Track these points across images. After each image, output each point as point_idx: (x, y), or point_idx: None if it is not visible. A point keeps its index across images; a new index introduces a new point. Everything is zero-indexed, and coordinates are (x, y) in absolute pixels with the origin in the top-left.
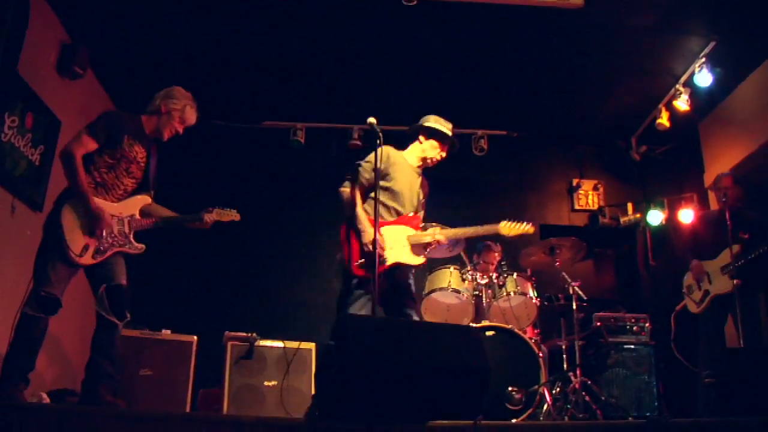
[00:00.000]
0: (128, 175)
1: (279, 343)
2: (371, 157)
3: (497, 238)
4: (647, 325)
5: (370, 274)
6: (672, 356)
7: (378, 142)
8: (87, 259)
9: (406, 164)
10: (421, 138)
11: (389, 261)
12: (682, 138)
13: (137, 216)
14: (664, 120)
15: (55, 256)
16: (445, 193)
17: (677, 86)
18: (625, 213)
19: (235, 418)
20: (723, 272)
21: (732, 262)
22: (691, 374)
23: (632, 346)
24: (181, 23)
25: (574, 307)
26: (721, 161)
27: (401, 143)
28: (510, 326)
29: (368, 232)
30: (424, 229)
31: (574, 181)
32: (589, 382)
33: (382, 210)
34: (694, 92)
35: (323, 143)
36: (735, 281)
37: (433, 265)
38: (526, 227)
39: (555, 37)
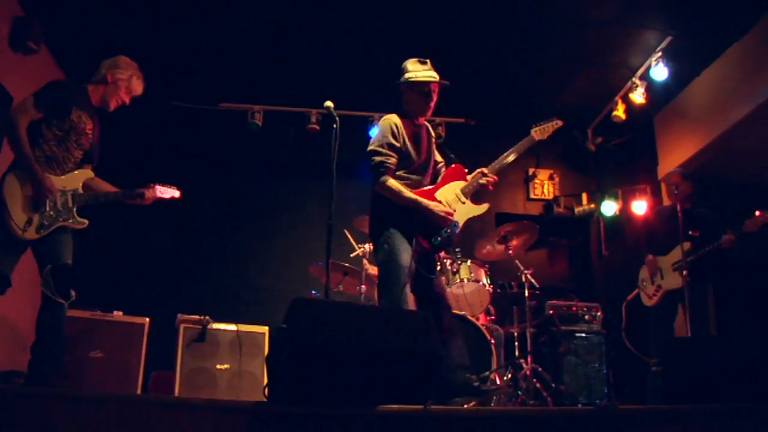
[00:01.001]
0: (78, 147)
1: (232, 327)
2: (383, 140)
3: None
4: (599, 314)
5: (447, 246)
6: (622, 345)
7: (334, 126)
8: (31, 234)
9: (409, 126)
10: (405, 94)
11: (461, 221)
12: (637, 130)
13: (80, 190)
14: (620, 112)
15: None
16: None
17: (634, 79)
18: (580, 203)
19: (186, 400)
20: (674, 269)
21: (682, 259)
22: (641, 363)
23: (584, 335)
24: (140, 1)
25: (527, 294)
26: (675, 154)
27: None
28: (463, 312)
29: (427, 203)
30: (470, 174)
31: (530, 171)
32: (540, 369)
33: (405, 184)
34: (650, 86)
35: (281, 126)
36: (684, 272)
37: None
38: (555, 123)
39: (514, 26)
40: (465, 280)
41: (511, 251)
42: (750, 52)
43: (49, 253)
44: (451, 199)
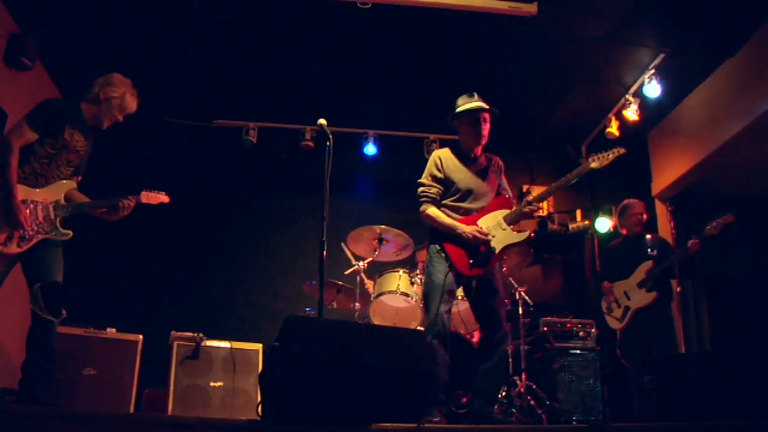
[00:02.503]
0: (68, 164)
1: (226, 344)
2: (427, 173)
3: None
4: (593, 330)
5: (483, 269)
6: (617, 362)
7: (328, 143)
8: (12, 248)
9: (460, 158)
10: (458, 127)
11: (498, 248)
12: (631, 147)
13: (62, 201)
14: (613, 129)
15: None
16: (396, 197)
17: (627, 96)
18: (574, 220)
19: (180, 418)
20: (640, 287)
21: (647, 277)
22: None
23: (578, 351)
24: (134, 17)
25: (521, 311)
26: (669, 171)
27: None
28: (458, 331)
29: (466, 228)
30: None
31: (524, 187)
32: (534, 386)
33: (456, 213)
34: (644, 102)
35: (275, 143)
36: (677, 282)
37: (382, 269)
38: (617, 152)
39: (508, 43)
40: (459, 298)
41: (505, 269)
42: (742, 69)
43: (38, 271)
44: (492, 226)
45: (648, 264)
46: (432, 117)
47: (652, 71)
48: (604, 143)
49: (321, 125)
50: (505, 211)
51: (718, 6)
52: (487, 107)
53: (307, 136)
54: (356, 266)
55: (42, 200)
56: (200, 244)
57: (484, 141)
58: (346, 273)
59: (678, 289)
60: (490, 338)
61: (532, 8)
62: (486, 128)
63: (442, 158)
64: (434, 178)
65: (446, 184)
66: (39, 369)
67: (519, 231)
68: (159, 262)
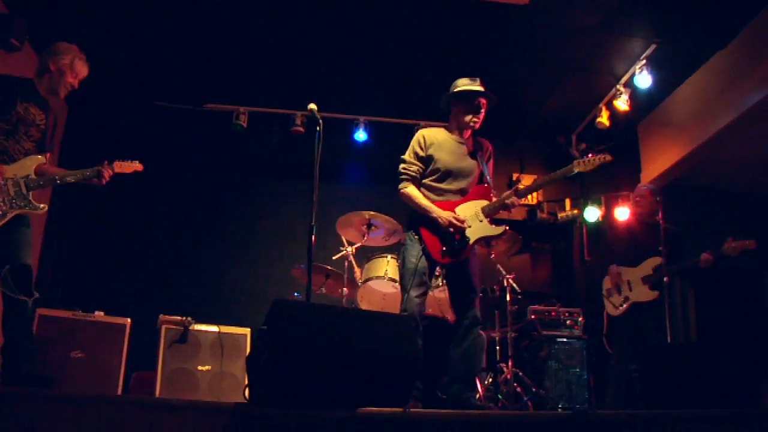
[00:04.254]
0: (28, 138)
1: (214, 328)
2: (409, 150)
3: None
4: (580, 319)
5: (455, 259)
6: (603, 350)
7: (318, 128)
8: None
9: (448, 139)
10: (453, 108)
11: (472, 239)
12: (621, 137)
13: (32, 176)
14: (604, 119)
15: None
16: (385, 183)
17: (618, 86)
18: (563, 209)
19: (167, 401)
20: (644, 282)
21: (654, 273)
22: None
23: (565, 340)
24: (125, 0)
25: (508, 299)
26: (658, 162)
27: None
28: (444, 316)
29: (443, 215)
30: (499, 195)
31: (514, 176)
32: (521, 373)
33: (433, 193)
34: (634, 93)
35: (265, 128)
36: (666, 279)
37: (370, 254)
38: (602, 157)
39: (500, 32)
40: (441, 285)
41: (493, 255)
42: (733, 61)
43: (6, 253)
44: (470, 215)
45: (657, 260)
46: (422, 104)
47: (644, 62)
48: (595, 133)
49: (311, 110)
50: (484, 202)
51: None
52: (490, 95)
53: (298, 121)
54: (345, 251)
55: (12, 176)
56: (189, 228)
57: (477, 126)
58: (334, 258)
59: (665, 279)
60: (461, 322)
61: None
62: (482, 114)
63: (426, 137)
64: (416, 155)
65: (427, 162)
66: (19, 349)
67: (495, 224)
68: (148, 245)
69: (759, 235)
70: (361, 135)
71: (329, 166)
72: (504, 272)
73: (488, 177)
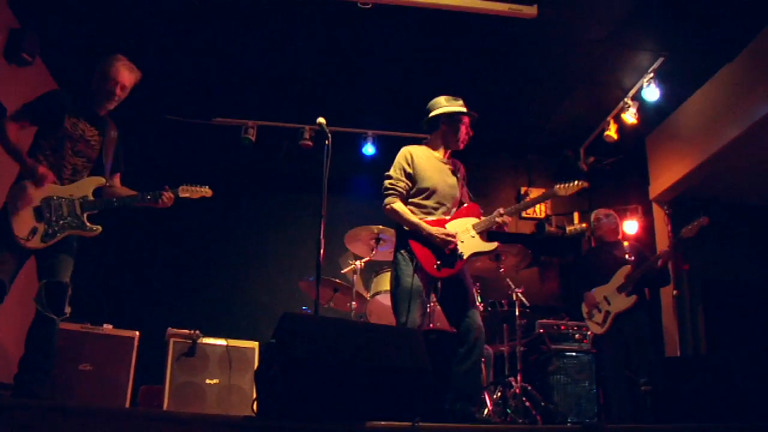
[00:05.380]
0: (75, 154)
1: (222, 341)
2: (396, 166)
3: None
4: (589, 333)
5: (452, 270)
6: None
7: (327, 142)
8: (35, 243)
9: (432, 158)
10: (441, 126)
11: (466, 254)
12: (629, 150)
13: (90, 197)
14: (612, 132)
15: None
16: None
17: (626, 99)
18: (572, 222)
19: (175, 414)
20: (619, 292)
21: (625, 282)
22: (631, 382)
23: (574, 354)
24: (135, 14)
25: (517, 313)
26: (666, 175)
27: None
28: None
29: (429, 228)
30: (487, 214)
31: (522, 189)
32: (530, 387)
33: (421, 212)
34: (642, 106)
35: (274, 142)
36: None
37: (378, 268)
38: (580, 184)
39: (508, 45)
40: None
41: (502, 269)
42: (741, 73)
43: (47, 269)
44: (461, 231)
45: (626, 269)
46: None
47: (651, 75)
48: (603, 146)
49: (320, 124)
50: (475, 220)
51: (717, 11)
52: (473, 114)
53: (306, 135)
54: (353, 265)
55: (68, 195)
56: (198, 241)
57: (461, 146)
58: (342, 272)
59: (674, 292)
60: (466, 339)
61: (532, 10)
62: (466, 134)
63: (413, 154)
64: (404, 172)
65: (413, 180)
66: (36, 365)
67: (487, 241)
68: (156, 258)
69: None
70: (369, 149)
71: (337, 179)
72: (513, 286)
73: (463, 195)
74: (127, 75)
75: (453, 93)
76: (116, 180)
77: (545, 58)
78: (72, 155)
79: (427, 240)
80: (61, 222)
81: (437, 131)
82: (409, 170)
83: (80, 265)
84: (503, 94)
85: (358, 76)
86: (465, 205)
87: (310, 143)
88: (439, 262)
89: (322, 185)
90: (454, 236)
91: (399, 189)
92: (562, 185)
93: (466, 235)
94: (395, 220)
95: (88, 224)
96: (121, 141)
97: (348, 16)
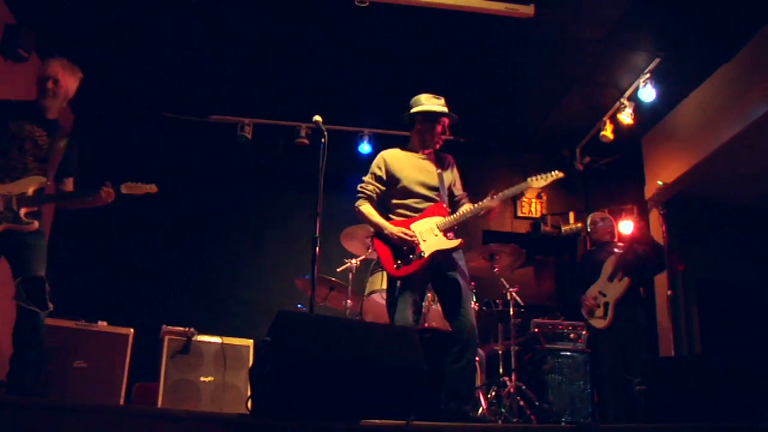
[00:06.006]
0: (23, 154)
1: (216, 339)
2: (370, 170)
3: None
4: (584, 332)
5: (410, 269)
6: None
7: (323, 140)
8: None
9: (409, 158)
10: (416, 124)
11: (427, 253)
12: (625, 151)
13: (28, 194)
14: (608, 132)
15: None
16: None
17: (622, 100)
18: (567, 222)
19: (169, 411)
20: (611, 280)
21: (614, 270)
22: (626, 382)
23: (568, 353)
24: (131, 11)
25: (512, 312)
26: (662, 175)
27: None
28: (448, 330)
29: (390, 228)
30: (454, 211)
31: None
32: (524, 387)
33: (407, 211)
34: (638, 106)
35: (270, 140)
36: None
37: (374, 267)
38: (555, 175)
39: (504, 44)
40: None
41: (497, 269)
42: (737, 74)
43: (20, 265)
44: (425, 230)
45: (612, 258)
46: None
47: (648, 75)
48: (599, 146)
49: (316, 122)
50: (440, 219)
51: (714, 11)
52: (453, 115)
53: (303, 133)
54: (348, 263)
55: (6, 192)
56: (193, 239)
57: (438, 146)
58: (338, 270)
59: (669, 293)
60: (459, 337)
61: (528, 10)
62: (441, 134)
63: (386, 158)
64: (374, 176)
65: (389, 183)
66: (27, 360)
67: (451, 238)
68: (151, 256)
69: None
70: (365, 147)
71: (333, 178)
72: (507, 285)
73: (458, 187)
74: (59, 69)
75: (449, 92)
76: (68, 183)
77: (541, 57)
78: (20, 155)
79: (389, 239)
80: None
81: (413, 129)
82: (380, 173)
83: (75, 262)
84: (499, 93)
85: (355, 74)
86: (433, 204)
87: (306, 141)
88: (399, 261)
89: (318, 183)
90: (412, 235)
91: (368, 192)
92: (536, 177)
93: (429, 234)
94: (365, 222)
95: (23, 219)
96: (74, 146)
97: (345, 15)
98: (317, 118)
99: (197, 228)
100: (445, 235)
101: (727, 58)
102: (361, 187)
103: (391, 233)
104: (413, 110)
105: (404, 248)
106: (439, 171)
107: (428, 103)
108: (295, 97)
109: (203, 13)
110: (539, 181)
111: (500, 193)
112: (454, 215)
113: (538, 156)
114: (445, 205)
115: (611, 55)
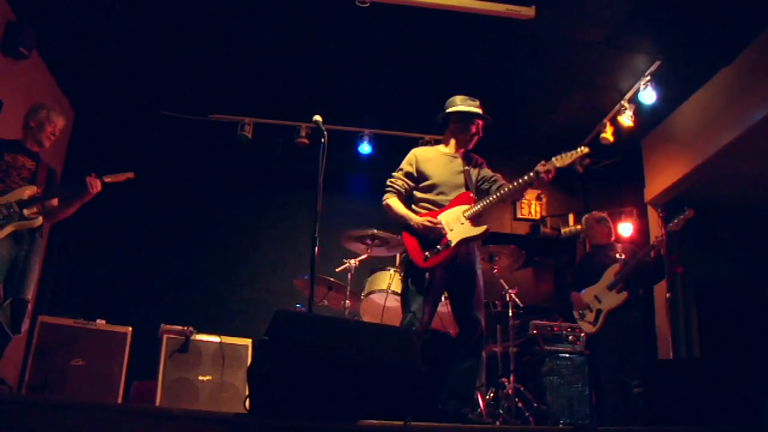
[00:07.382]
0: (21, 179)
1: (215, 338)
2: (403, 165)
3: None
4: (582, 334)
5: (438, 259)
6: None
7: (323, 140)
8: None
9: (439, 155)
10: (450, 124)
11: (453, 241)
12: (625, 153)
13: (24, 198)
14: (608, 134)
15: None
16: None
17: (622, 102)
18: (566, 224)
19: (167, 410)
20: (610, 289)
21: (616, 279)
22: (624, 384)
23: (567, 355)
24: (132, 8)
25: (511, 313)
26: (662, 177)
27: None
28: (447, 330)
29: (417, 218)
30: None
31: None
32: (523, 388)
33: (434, 207)
34: (639, 109)
35: (270, 139)
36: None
37: (373, 267)
38: (580, 151)
39: (505, 46)
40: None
41: (496, 270)
42: (738, 77)
43: (14, 285)
44: (452, 220)
45: (615, 267)
46: (427, 116)
47: (648, 77)
48: (599, 148)
49: (316, 122)
50: (466, 206)
51: (715, 14)
52: (487, 117)
53: (303, 133)
54: (347, 264)
55: (5, 201)
56: (193, 237)
57: (470, 146)
58: (337, 270)
59: (667, 295)
60: (468, 339)
61: (530, 12)
62: (475, 135)
63: (418, 155)
64: (404, 172)
65: (418, 179)
66: None
67: (476, 225)
68: (150, 254)
69: (762, 250)
70: (365, 147)
71: (333, 178)
72: (506, 287)
73: (486, 180)
74: (62, 120)
75: (449, 94)
76: (53, 201)
77: (542, 59)
78: (19, 180)
79: (416, 231)
80: (2, 220)
81: (447, 129)
82: (410, 170)
83: (74, 260)
84: (499, 95)
85: (355, 74)
86: (460, 194)
87: (306, 141)
88: (426, 253)
89: (318, 183)
90: (437, 223)
91: (396, 186)
92: (560, 156)
93: (456, 223)
94: (391, 216)
95: (26, 216)
96: (54, 172)
97: (346, 15)
98: (317, 117)
99: (196, 227)
100: (471, 223)
101: (728, 60)
102: (391, 181)
103: (417, 223)
104: (448, 110)
105: (431, 237)
106: (467, 169)
107: (463, 104)
108: (295, 97)
109: (203, 11)
110: (563, 160)
111: (523, 179)
112: (480, 203)
113: (537, 158)
114: (471, 195)
115: (612, 57)
